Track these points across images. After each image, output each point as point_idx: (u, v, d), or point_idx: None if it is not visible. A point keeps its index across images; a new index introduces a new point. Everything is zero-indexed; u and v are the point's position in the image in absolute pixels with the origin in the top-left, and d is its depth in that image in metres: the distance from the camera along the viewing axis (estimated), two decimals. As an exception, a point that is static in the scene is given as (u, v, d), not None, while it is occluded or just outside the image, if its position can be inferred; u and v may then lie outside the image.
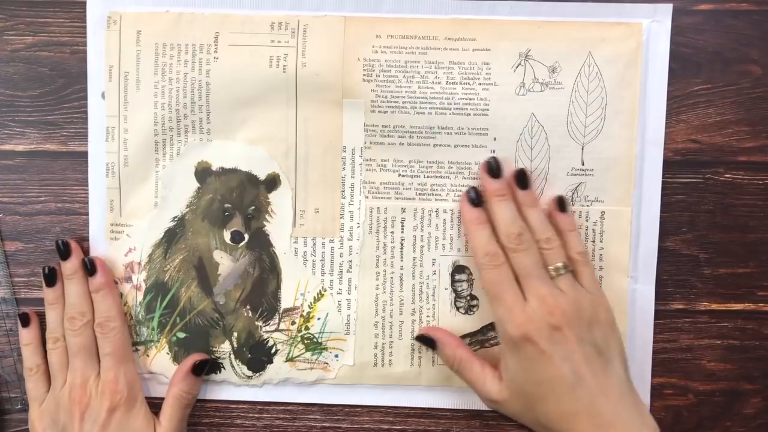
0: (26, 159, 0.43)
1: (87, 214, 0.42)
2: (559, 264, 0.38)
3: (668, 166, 0.42)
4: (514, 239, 0.38)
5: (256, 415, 0.43)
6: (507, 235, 0.38)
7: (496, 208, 0.39)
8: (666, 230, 0.42)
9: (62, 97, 0.42)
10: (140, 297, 0.42)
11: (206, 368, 0.42)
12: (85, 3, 0.41)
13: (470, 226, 0.39)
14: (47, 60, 0.42)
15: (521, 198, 0.39)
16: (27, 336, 0.41)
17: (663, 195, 0.42)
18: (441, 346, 0.40)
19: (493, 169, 0.40)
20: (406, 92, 0.41)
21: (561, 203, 0.40)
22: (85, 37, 0.41)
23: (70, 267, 0.41)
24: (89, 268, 0.40)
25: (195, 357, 0.42)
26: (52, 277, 0.41)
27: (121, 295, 0.42)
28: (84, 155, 0.42)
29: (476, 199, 0.40)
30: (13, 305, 0.43)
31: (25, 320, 0.42)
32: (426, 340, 0.41)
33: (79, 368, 0.40)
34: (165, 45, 0.41)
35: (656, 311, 0.42)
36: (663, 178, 0.42)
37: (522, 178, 0.39)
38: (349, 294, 0.42)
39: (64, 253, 0.41)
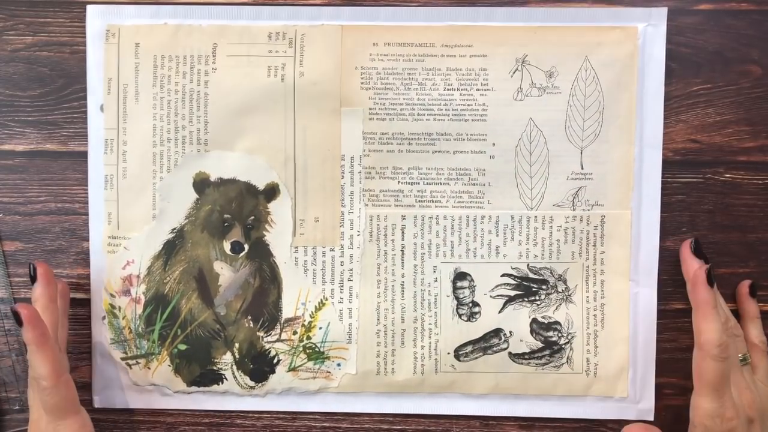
0: (26, 159, 0.43)
1: (87, 214, 0.42)
2: (742, 355, 0.39)
3: (668, 166, 0.42)
4: (732, 329, 0.39)
5: (257, 416, 0.43)
6: (734, 327, 0.40)
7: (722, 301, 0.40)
8: (666, 230, 0.42)
9: (62, 97, 0.42)
10: (140, 310, 0.42)
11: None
12: (85, 3, 0.41)
13: (706, 309, 0.37)
14: (47, 60, 0.42)
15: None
16: None
17: (663, 195, 0.42)
18: None
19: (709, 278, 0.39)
20: (404, 99, 0.41)
21: (752, 289, 0.41)
22: (85, 37, 0.42)
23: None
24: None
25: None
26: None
27: (119, 309, 0.42)
28: (84, 155, 0.42)
29: (712, 278, 0.38)
30: (11, 305, 0.43)
31: None
32: None
33: (35, 405, 0.38)
34: (163, 57, 0.41)
35: (657, 311, 0.42)
36: (663, 178, 0.42)
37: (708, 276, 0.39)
38: (350, 303, 0.42)
39: (16, 320, 0.37)
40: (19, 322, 0.36)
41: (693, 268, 0.39)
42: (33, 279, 0.39)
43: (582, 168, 0.41)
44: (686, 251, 0.40)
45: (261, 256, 0.42)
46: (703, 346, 0.37)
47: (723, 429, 0.36)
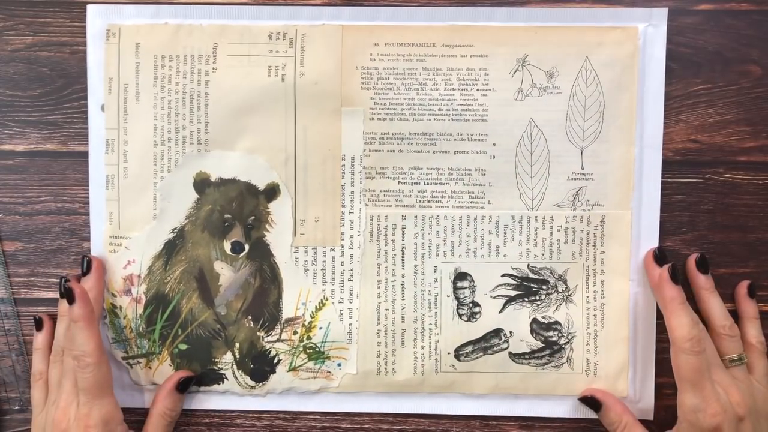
0: (26, 159, 0.43)
1: (87, 214, 0.42)
2: (737, 355, 0.39)
3: (668, 166, 0.42)
4: (728, 329, 0.39)
5: (257, 416, 0.43)
6: (722, 326, 0.40)
7: (712, 298, 0.40)
8: (666, 230, 0.42)
9: (62, 97, 0.42)
10: (140, 309, 0.42)
11: (190, 385, 0.42)
12: (85, 3, 0.41)
13: (673, 305, 0.38)
14: (47, 60, 0.42)
15: (702, 283, 0.40)
16: (37, 341, 0.41)
17: (663, 195, 0.42)
18: (606, 409, 0.40)
19: (703, 262, 0.40)
20: (404, 99, 0.41)
21: (751, 289, 0.41)
22: (85, 37, 0.42)
23: (62, 308, 0.41)
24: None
25: (179, 374, 0.42)
26: (39, 324, 0.41)
27: (120, 308, 0.42)
28: (84, 155, 0.42)
29: (676, 275, 0.38)
30: (11, 305, 0.43)
31: (38, 324, 0.42)
32: (590, 402, 0.41)
33: (65, 390, 0.39)
34: (164, 57, 0.41)
35: (657, 311, 0.42)
36: (663, 178, 0.42)
37: (703, 263, 0.40)
38: (350, 303, 0.42)
39: (68, 296, 0.38)
40: (70, 299, 0.38)
41: (656, 273, 0.40)
42: (85, 272, 0.41)
43: (582, 168, 0.41)
44: (648, 260, 0.40)
45: (261, 256, 0.42)
46: (675, 342, 0.37)
47: (708, 425, 0.36)
